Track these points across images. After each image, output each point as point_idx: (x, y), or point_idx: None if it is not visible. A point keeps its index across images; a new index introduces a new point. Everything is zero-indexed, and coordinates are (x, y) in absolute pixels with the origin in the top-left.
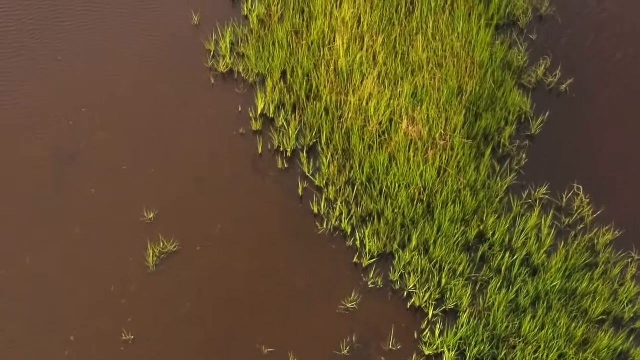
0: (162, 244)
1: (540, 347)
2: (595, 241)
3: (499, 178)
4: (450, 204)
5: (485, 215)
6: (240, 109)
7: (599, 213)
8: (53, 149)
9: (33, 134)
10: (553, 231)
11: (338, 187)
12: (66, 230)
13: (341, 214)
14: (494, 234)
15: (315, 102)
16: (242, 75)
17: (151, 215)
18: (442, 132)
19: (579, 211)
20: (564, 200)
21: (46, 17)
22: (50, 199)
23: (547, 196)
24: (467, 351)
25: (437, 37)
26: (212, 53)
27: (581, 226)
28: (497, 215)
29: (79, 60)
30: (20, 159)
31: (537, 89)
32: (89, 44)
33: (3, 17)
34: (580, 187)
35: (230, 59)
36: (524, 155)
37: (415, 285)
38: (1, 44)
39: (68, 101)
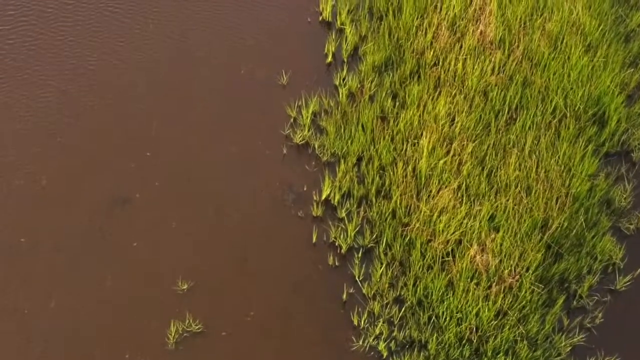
0: (187, 321)
1: None
2: None
3: (564, 334)
4: (501, 354)
5: None
6: (305, 189)
7: None
8: (108, 189)
9: (94, 168)
10: None
11: (385, 303)
12: (97, 280)
13: (381, 333)
14: None
15: (383, 202)
16: (317, 152)
17: (185, 286)
18: (513, 268)
19: None
20: None
21: (114, 69)
22: (92, 242)
23: None
24: None
25: (534, 157)
26: (291, 120)
27: None
28: None
29: (155, 100)
30: (75, 195)
31: (634, 237)
32: (167, 84)
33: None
34: None
35: (308, 130)
36: (601, 314)
37: None
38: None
39: (135, 142)
